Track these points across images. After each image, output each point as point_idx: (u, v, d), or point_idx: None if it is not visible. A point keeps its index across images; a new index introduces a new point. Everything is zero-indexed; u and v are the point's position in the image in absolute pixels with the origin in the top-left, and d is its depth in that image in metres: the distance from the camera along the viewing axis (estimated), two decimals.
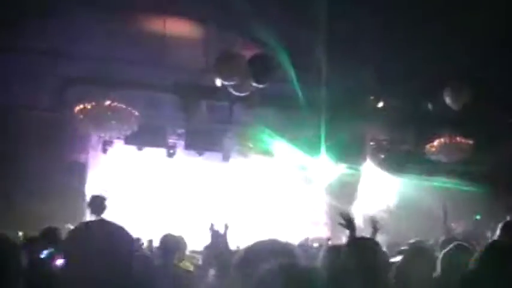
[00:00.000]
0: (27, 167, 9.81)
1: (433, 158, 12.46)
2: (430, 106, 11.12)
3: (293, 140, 13.90)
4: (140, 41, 9.21)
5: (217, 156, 14.73)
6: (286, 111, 11.90)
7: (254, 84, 9.02)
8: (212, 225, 6.86)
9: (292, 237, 15.27)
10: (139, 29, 9.09)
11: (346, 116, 11.72)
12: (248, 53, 9.04)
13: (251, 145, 14.10)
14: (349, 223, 3.24)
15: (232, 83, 8.96)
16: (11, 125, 9.56)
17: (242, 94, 9.45)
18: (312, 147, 13.91)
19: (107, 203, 10.86)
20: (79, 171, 12.20)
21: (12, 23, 8.31)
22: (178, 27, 9.36)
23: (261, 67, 8.89)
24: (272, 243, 2.14)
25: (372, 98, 11.70)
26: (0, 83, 8.70)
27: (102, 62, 9.87)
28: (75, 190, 11.61)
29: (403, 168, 14.11)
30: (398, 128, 12.79)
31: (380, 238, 3.45)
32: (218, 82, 9.46)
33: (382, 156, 14.67)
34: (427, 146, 12.41)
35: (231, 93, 9.54)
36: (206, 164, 15.19)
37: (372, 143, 14.68)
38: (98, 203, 10.62)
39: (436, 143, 12.23)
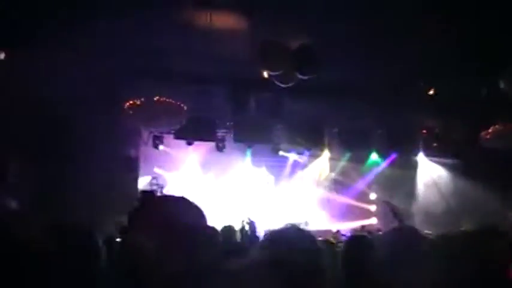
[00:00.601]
0: (80, 164, 10.01)
1: (488, 145, 11.89)
2: (484, 92, 10.56)
3: (342, 131, 13.68)
4: (187, 34, 9.14)
5: (267, 148, 14.71)
6: (335, 102, 11.64)
7: (300, 75, 8.83)
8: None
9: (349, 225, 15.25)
10: (185, 22, 9.01)
11: (397, 104, 11.36)
12: (294, 44, 8.85)
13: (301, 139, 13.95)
14: (395, 214, 3.12)
15: (277, 73, 8.81)
16: (62, 121, 9.74)
17: (287, 85, 9.28)
18: (361, 138, 13.65)
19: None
20: (131, 166, 12.37)
21: (65, 21, 8.43)
22: (224, 20, 9.24)
23: (307, 58, 8.70)
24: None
25: (423, 84, 11.23)
26: (51, 79, 8.85)
27: (151, 56, 9.91)
28: (127, 185, 11.82)
29: (456, 157, 13.61)
30: (451, 116, 12.27)
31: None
32: (265, 74, 9.33)
33: (435, 144, 14.20)
34: (482, 134, 11.85)
35: (279, 84, 9.39)
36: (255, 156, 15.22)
37: (424, 132, 14.22)
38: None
39: (491, 129, 11.68)
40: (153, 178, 14.16)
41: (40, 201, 8.12)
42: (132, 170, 12.43)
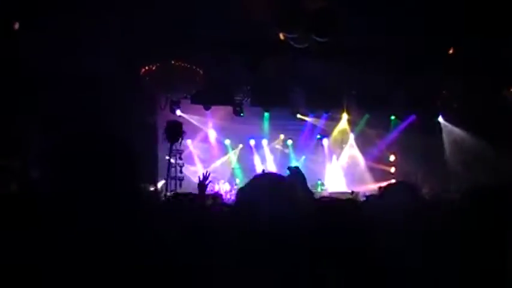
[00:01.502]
0: (96, 128, 10.04)
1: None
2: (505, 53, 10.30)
3: (360, 93, 13.51)
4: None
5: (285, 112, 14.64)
6: (353, 64, 11.43)
7: (317, 38, 8.66)
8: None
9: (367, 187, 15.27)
10: None
11: (416, 65, 11.13)
12: (311, 6, 8.65)
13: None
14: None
15: (293, 35, 8.66)
16: (80, 90, 9.75)
17: (302, 46, 9.12)
18: (379, 100, 13.46)
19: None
20: (149, 132, 12.39)
21: None
22: None
23: (323, 20, 8.50)
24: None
25: (443, 45, 10.96)
26: (69, 53, 8.85)
27: (165, 23, 9.79)
28: (147, 151, 11.88)
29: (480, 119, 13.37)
30: (473, 75, 12.00)
31: None
32: (281, 36, 9.18)
33: (455, 105, 13.96)
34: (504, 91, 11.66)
35: (295, 47, 9.25)
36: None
37: (443, 93, 13.96)
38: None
39: None
40: (172, 144, 14.18)
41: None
42: (150, 135, 12.45)
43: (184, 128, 14.17)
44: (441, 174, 13.78)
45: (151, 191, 10.80)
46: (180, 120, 13.22)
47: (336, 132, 16.24)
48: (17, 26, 8.39)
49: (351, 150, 16.45)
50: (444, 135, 14.89)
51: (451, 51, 10.90)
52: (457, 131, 14.57)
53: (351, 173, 16.31)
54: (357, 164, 16.40)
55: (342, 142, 16.52)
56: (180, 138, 11.56)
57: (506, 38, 9.78)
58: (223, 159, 15.86)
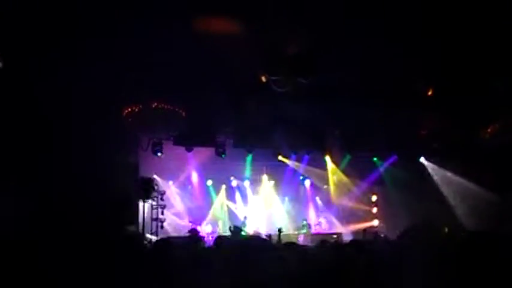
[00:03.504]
0: (79, 169, 9.90)
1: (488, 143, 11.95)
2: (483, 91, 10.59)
3: (343, 133, 13.61)
4: (185, 42, 9.08)
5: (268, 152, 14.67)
6: (334, 105, 11.56)
7: (299, 79, 8.78)
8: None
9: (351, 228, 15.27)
10: (184, 30, 8.95)
11: (396, 105, 11.32)
12: (292, 49, 8.80)
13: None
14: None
15: (276, 78, 8.77)
16: (60, 128, 9.66)
17: (284, 90, 9.24)
18: (362, 140, 13.58)
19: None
20: (132, 172, 12.25)
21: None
22: (223, 27, 9.18)
23: (306, 62, 8.65)
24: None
25: (421, 85, 11.19)
26: (49, 87, 8.81)
27: (148, 64, 9.84)
28: (129, 191, 11.71)
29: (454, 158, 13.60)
30: (451, 115, 12.22)
31: None
32: (263, 78, 9.29)
33: (435, 145, 14.13)
34: (482, 132, 11.91)
35: (277, 89, 9.34)
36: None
37: (423, 133, 14.12)
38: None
39: (490, 128, 11.75)
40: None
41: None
42: (132, 175, 12.31)
43: (166, 169, 14.21)
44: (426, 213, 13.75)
45: (134, 233, 10.63)
46: (162, 161, 13.19)
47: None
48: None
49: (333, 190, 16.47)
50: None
51: (429, 93, 11.12)
52: (438, 171, 14.67)
53: (334, 212, 16.30)
54: (340, 204, 16.39)
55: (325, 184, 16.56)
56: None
57: (481, 80, 10.06)
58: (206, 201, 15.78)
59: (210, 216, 15.42)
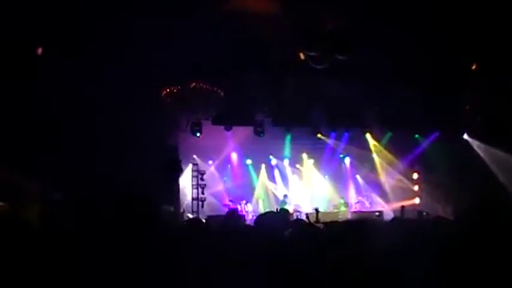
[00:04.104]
0: (121, 153, 10.08)
1: None
2: None
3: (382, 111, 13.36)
4: (221, 21, 9.03)
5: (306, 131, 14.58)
6: (374, 83, 11.34)
7: (337, 55, 8.65)
8: None
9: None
10: (219, 7, 8.91)
11: (437, 82, 11.00)
12: (331, 26, 8.65)
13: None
14: None
15: (313, 54, 8.66)
16: (102, 113, 9.81)
17: (321, 66, 9.11)
18: (401, 117, 13.30)
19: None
20: (171, 153, 12.39)
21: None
22: (259, 4, 9.08)
23: (343, 39, 8.50)
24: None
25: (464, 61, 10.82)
26: (92, 74, 8.95)
27: (187, 46, 9.86)
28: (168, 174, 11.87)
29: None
30: (495, 91, 11.78)
31: None
32: (301, 55, 9.19)
33: (479, 119, 13.65)
34: None
35: (315, 66, 9.24)
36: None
37: (467, 109, 13.68)
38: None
39: None
40: (194, 165, 14.25)
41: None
42: (173, 156, 12.44)
43: (205, 149, 14.32)
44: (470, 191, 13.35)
45: (171, 213, 10.81)
46: (201, 141, 13.29)
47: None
48: (40, 51, 8.53)
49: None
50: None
51: (473, 67, 10.77)
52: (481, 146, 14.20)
53: (375, 190, 16.11)
54: (380, 182, 16.18)
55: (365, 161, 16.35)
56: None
57: None
58: (246, 180, 15.84)
59: (254, 196, 15.50)
